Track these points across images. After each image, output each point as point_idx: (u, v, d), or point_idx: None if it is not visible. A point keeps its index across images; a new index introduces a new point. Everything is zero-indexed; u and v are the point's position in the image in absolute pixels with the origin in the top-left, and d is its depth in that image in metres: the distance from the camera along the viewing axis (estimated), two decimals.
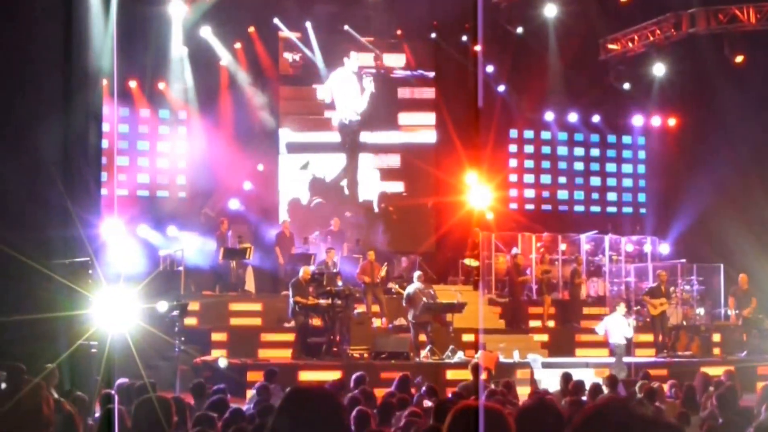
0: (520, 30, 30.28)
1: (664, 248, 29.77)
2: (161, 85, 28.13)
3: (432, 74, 30.57)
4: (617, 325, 22.65)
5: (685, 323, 25.49)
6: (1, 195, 18.24)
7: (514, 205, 31.75)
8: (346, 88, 29.74)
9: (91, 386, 15.52)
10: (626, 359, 22.41)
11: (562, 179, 32.79)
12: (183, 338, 19.29)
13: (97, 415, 12.35)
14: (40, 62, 19.20)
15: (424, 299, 22.46)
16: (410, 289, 22.78)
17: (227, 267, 25.10)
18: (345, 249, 25.86)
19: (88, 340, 16.78)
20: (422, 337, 22.38)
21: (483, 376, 18.12)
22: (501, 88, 30.63)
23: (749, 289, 24.33)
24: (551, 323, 26.11)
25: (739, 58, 29.40)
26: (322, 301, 21.76)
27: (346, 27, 29.66)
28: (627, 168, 33.34)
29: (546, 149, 32.76)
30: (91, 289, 17.69)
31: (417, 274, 23.37)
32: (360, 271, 23.97)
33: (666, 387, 17.50)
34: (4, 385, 12.18)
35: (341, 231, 26.49)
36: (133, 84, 27.59)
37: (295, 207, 29.13)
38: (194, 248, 25.40)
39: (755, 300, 24.12)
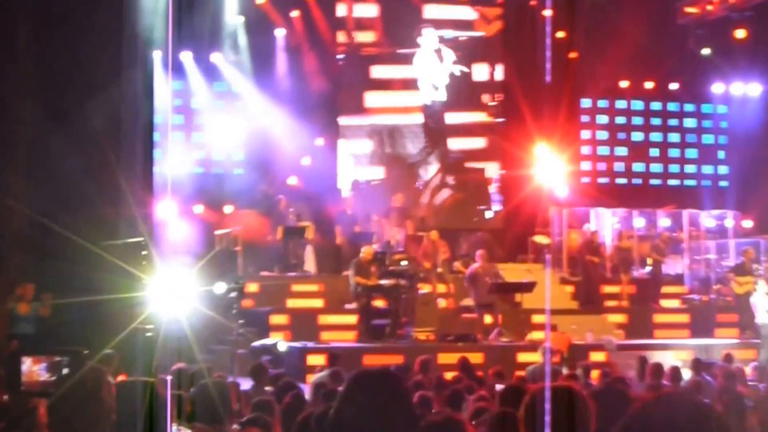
0: None
1: (747, 223, 29.55)
2: (216, 57, 28.26)
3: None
4: (762, 303, 22.43)
5: None
6: (55, 172, 18.52)
7: (586, 179, 31.60)
8: (427, 67, 29.50)
9: (146, 371, 15.74)
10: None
11: (639, 151, 32.57)
12: (241, 321, 19.46)
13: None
14: (96, 35, 19.43)
15: (488, 278, 22.51)
16: (472, 268, 22.84)
17: (286, 246, 25.21)
18: (409, 227, 25.82)
19: (142, 323, 16.99)
20: (488, 319, 22.41)
21: (554, 358, 18.20)
22: (573, 55, 30.44)
23: None
24: (627, 303, 26.01)
25: None
26: (385, 282, 21.80)
27: None
28: (707, 138, 33.06)
29: (620, 119, 32.57)
30: (146, 271, 17.90)
31: (479, 252, 23.38)
32: (421, 252, 24.00)
33: (748, 370, 17.46)
34: (65, 371, 12.42)
35: (404, 207, 26.44)
36: (186, 56, 27.72)
37: (357, 183, 29.08)
38: (252, 227, 25.53)
39: None
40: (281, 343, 20.54)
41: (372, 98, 29.53)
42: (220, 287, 19.05)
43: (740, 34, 30.82)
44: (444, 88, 29.41)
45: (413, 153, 29.56)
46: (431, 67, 29.33)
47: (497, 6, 30.41)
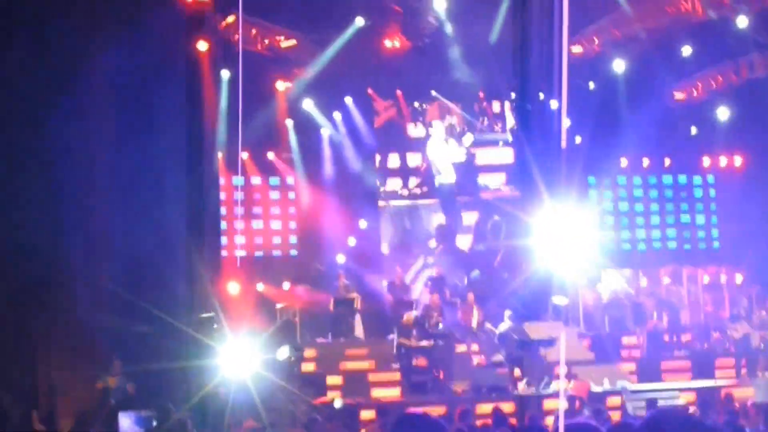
0: (592, 85, 30.20)
1: (739, 277, 29.27)
2: (270, 155, 28.43)
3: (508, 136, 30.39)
4: None
5: (762, 346, 24.90)
6: (142, 260, 18.58)
7: (596, 246, 31.30)
8: (440, 153, 29.67)
9: (219, 427, 15.62)
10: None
11: (640, 219, 32.37)
12: (301, 383, 19.33)
13: None
14: (169, 137, 19.59)
15: (515, 336, 22.37)
16: (502, 327, 22.72)
17: (338, 316, 25.14)
18: (447, 293, 25.66)
19: (215, 386, 16.91)
20: (517, 372, 22.20)
21: (576, 404, 17.92)
22: (578, 139, 30.41)
23: None
24: (639, 352, 25.68)
25: None
26: (425, 343, 21.70)
27: (433, 93, 29.75)
28: (699, 206, 32.81)
29: (623, 193, 32.41)
30: (217, 341, 17.85)
31: (508, 313, 23.25)
32: (461, 314, 23.91)
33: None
34: (155, 423, 12.37)
35: (441, 277, 26.32)
36: (245, 155, 27.89)
37: (400, 256, 29.06)
38: (308, 300, 25.51)
39: None
40: (337, 400, 20.36)
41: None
42: (282, 354, 18.96)
43: (722, 113, 30.74)
44: (455, 170, 29.58)
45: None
46: (444, 153, 29.50)
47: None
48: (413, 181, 29.62)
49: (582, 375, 22.42)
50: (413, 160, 29.80)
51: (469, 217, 29.63)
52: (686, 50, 28.97)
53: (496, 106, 30.48)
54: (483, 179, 30.09)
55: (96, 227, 20.42)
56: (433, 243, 29.18)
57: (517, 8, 26.22)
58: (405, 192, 29.57)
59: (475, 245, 29.06)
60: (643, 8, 27.12)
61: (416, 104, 29.70)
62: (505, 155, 30.42)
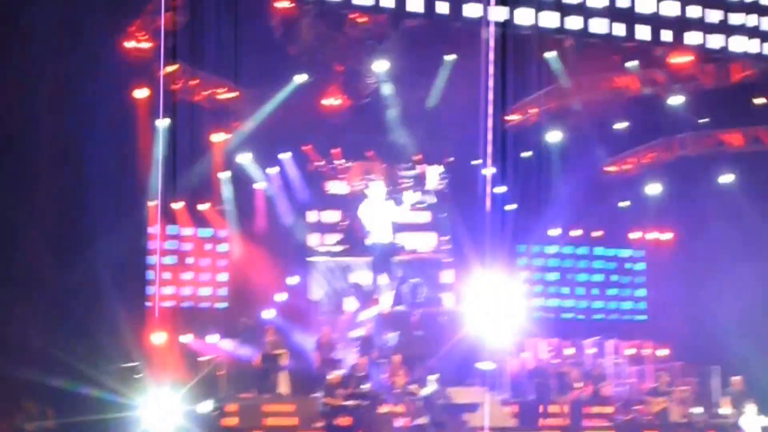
0: (527, 154, 30.50)
1: (663, 351, 29.50)
2: (204, 206, 28.25)
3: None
4: (753, 425, 22.71)
5: (683, 420, 25.05)
6: (64, 305, 18.31)
7: (524, 313, 31.37)
8: (375, 213, 29.73)
9: None
10: None
11: (567, 289, 32.60)
12: None
13: None
14: (99, 188, 19.42)
15: (440, 400, 22.37)
16: (427, 390, 22.69)
17: (264, 371, 24.90)
18: (372, 354, 25.55)
19: None
20: None
21: None
22: (510, 206, 30.61)
23: (742, 390, 23.98)
24: (562, 421, 25.72)
25: (726, 178, 29.53)
26: (350, 402, 21.57)
27: (369, 153, 29.86)
28: (627, 278, 33.12)
29: (553, 262, 32.64)
30: (139, 392, 17.62)
31: (434, 376, 23.26)
32: (387, 375, 23.81)
33: None
34: None
35: (369, 336, 26.23)
36: (178, 206, 27.70)
37: (327, 315, 28.98)
38: (234, 354, 25.27)
39: (749, 400, 23.75)
40: None
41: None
42: (205, 407, 18.73)
43: (653, 189, 31.18)
44: (392, 232, 29.66)
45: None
46: (380, 212, 29.57)
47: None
48: (333, 238, 29.57)
49: None
50: (332, 216, 29.75)
51: (384, 278, 29.68)
52: (620, 125, 29.41)
53: (428, 169, 30.62)
54: (402, 240, 30.14)
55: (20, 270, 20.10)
56: (353, 303, 29.15)
57: (456, 74, 26.52)
58: (323, 249, 29.51)
59: (395, 306, 29.09)
60: (580, 82, 27.50)
61: (343, 161, 29.70)
62: (426, 217, 30.50)
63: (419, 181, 30.50)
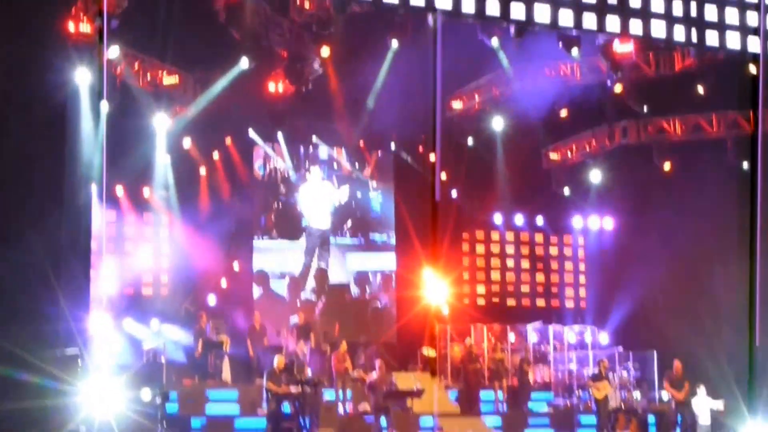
0: (470, 141, 30.59)
1: (604, 337, 29.75)
2: (146, 191, 27.98)
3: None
4: (704, 407, 23.13)
5: (623, 406, 25.26)
6: (4, 290, 18.01)
7: (467, 300, 31.59)
8: (315, 198, 29.74)
9: None
10: None
11: (510, 276, 32.75)
12: (164, 424, 18.96)
13: None
14: (39, 171, 19.11)
15: (384, 386, 22.42)
16: (372, 377, 22.70)
17: (205, 358, 24.74)
18: (313, 341, 25.48)
19: (78, 425, 16.47)
20: (383, 422, 22.17)
21: None
22: (454, 193, 30.70)
23: (682, 374, 24.23)
24: (503, 406, 25.85)
25: (667, 166, 29.78)
26: (293, 389, 21.50)
27: (313, 138, 29.79)
28: (568, 265, 33.34)
29: (495, 248, 32.77)
30: (80, 379, 17.43)
31: (378, 363, 23.27)
32: (334, 360, 23.80)
33: None
34: None
35: (307, 324, 26.14)
36: (120, 190, 27.43)
37: (268, 301, 28.92)
38: (176, 341, 25.11)
39: (687, 384, 24.00)
40: None
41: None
42: (146, 394, 18.58)
43: (595, 176, 31.37)
44: (332, 216, 29.64)
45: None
46: (320, 198, 29.54)
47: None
48: (273, 222, 29.49)
49: (447, 427, 22.47)
50: (272, 200, 29.66)
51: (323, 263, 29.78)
52: (563, 113, 29.53)
53: (373, 155, 30.61)
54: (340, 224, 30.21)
55: None
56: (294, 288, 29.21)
57: (400, 61, 26.46)
58: (264, 233, 29.43)
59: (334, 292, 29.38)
60: (523, 69, 27.56)
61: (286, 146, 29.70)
62: (366, 202, 30.55)
63: (361, 166, 30.49)
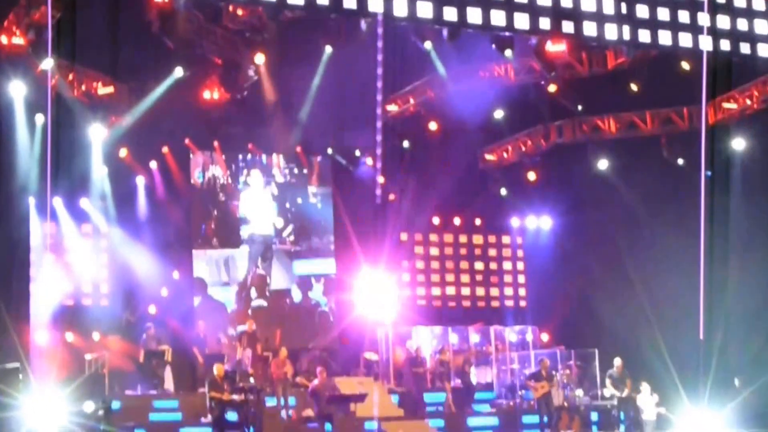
0: (406, 144, 30.86)
1: (545, 336, 30.10)
2: (83, 202, 27.86)
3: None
4: (648, 403, 23.62)
5: (566, 404, 25.57)
6: None
7: (407, 303, 31.73)
8: (257, 205, 29.83)
9: None
10: None
11: (450, 277, 32.94)
12: None
13: None
14: None
15: (326, 392, 22.53)
16: (313, 383, 22.84)
17: (148, 368, 24.73)
18: (258, 348, 25.54)
19: None
20: (328, 427, 22.29)
21: None
22: (392, 196, 30.89)
23: (623, 371, 24.58)
24: (447, 408, 26.03)
25: (602, 164, 30.24)
26: (236, 397, 21.59)
27: (250, 145, 29.86)
28: (507, 265, 33.61)
29: (434, 251, 32.97)
30: (22, 392, 17.40)
31: (319, 369, 23.39)
32: (274, 367, 23.87)
33: None
34: None
35: (254, 332, 26.19)
36: (57, 202, 27.28)
37: (209, 309, 28.91)
38: (117, 351, 25.04)
39: (629, 381, 24.38)
40: None
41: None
42: (89, 406, 18.57)
43: (531, 176, 31.76)
44: (274, 221, 29.73)
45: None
46: (261, 204, 29.62)
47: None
48: (214, 230, 29.54)
49: (391, 431, 22.63)
50: (211, 208, 29.72)
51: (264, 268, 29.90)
52: (498, 113, 29.87)
53: (311, 160, 30.73)
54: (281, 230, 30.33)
55: None
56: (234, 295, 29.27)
57: (335, 66, 26.65)
58: (204, 241, 29.47)
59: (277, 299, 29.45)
60: (458, 71, 27.84)
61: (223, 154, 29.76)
62: (306, 207, 30.72)
63: (299, 171, 30.59)
